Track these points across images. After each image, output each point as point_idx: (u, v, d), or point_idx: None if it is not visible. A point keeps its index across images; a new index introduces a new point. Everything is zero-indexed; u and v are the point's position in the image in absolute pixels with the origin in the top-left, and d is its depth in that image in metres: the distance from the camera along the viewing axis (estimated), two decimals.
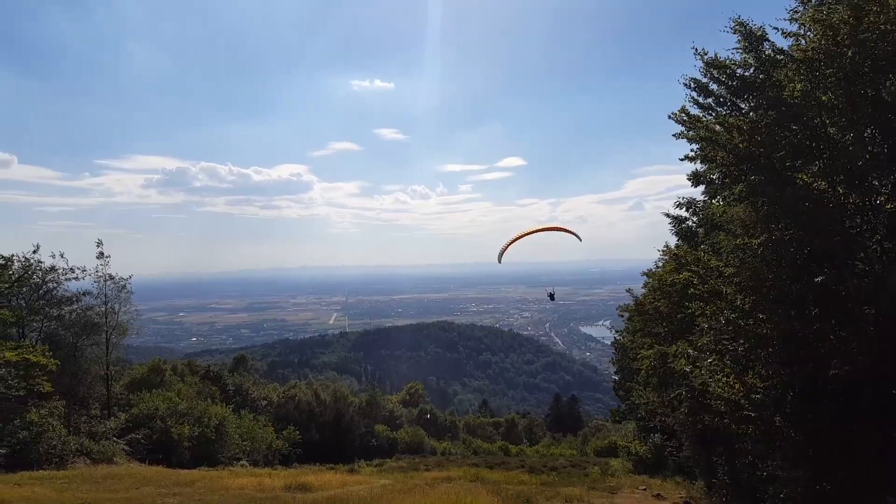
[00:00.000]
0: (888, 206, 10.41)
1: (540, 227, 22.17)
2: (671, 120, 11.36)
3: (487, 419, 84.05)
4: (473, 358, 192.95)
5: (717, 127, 10.70)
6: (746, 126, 10.00)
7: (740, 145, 10.02)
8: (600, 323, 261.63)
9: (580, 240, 22.34)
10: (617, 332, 33.12)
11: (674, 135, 11.62)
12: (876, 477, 9.53)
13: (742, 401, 10.72)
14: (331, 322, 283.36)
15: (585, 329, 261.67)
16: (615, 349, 36.30)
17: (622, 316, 31.23)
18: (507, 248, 21.69)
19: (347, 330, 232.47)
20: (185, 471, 20.55)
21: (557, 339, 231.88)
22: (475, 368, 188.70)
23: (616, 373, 39.73)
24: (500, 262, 22.23)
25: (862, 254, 11.10)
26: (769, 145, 10.09)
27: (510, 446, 62.33)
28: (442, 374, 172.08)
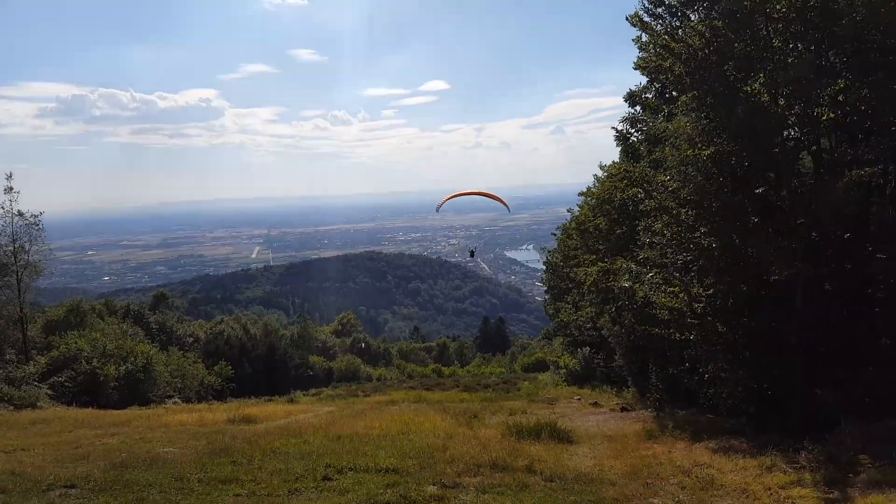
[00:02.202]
0: (826, 117, 10.73)
1: (477, 191, 24.89)
2: (628, 23, 11.12)
3: (419, 344, 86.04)
4: (402, 286, 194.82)
5: (668, 38, 10.54)
6: (707, 32, 9.88)
7: (698, 52, 9.93)
8: (524, 247, 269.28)
9: (508, 210, 24.52)
10: (549, 251, 33.94)
11: (633, 39, 11.40)
12: (807, 373, 10.27)
13: (685, 309, 11.19)
14: (253, 256, 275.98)
15: (510, 253, 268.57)
16: (546, 268, 37.37)
17: (555, 235, 31.96)
18: (444, 202, 23.26)
19: (272, 263, 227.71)
20: (118, 411, 19.69)
21: (484, 265, 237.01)
22: (405, 296, 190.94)
23: (546, 292, 41.16)
24: (437, 211, 24.37)
25: (799, 166, 11.55)
26: (723, 53, 10.06)
27: (443, 368, 64.31)
28: (372, 304, 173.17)
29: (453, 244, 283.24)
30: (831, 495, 6.80)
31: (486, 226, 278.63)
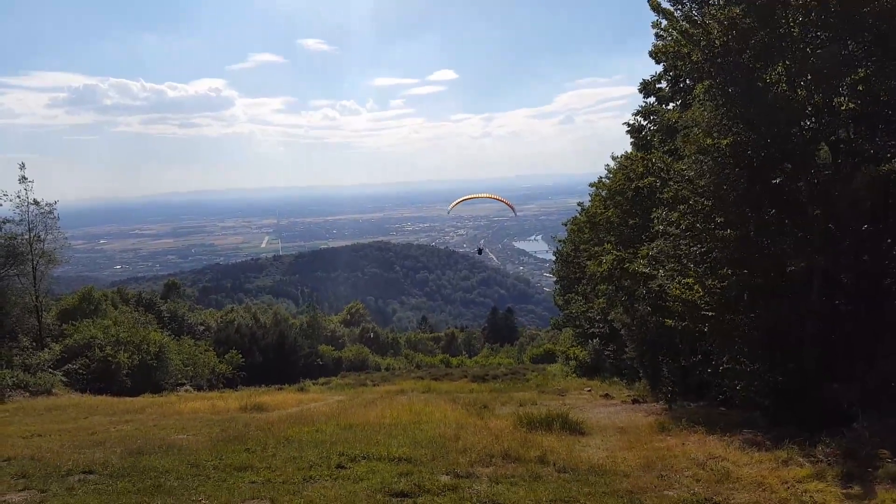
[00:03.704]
0: (845, 107, 10.57)
1: (486, 195, 25.93)
2: (649, 6, 10.95)
3: (427, 334, 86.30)
4: (411, 276, 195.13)
5: (688, 25, 10.40)
6: (726, 20, 9.73)
7: (717, 40, 9.79)
8: (532, 237, 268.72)
9: (515, 213, 25.41)
10: (560, 240, 33.79)
11: (652, 23, 11.26)
12: (823, 366, 10.18)
13: (699, 302, 11.10)
14: (263, 245, 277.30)
15: (519, 244, 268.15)
16: (556, 259, 37.21)
17: (565, 225, 31.81)
18: (455, 205, 23.90)
19: (281, 253, 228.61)
20: (132, 398, 19.89)
21: (492, 255, 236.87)
22: (413, 286, 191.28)
23: (556, 282, 41.03)
24: (448, 213, 25.45)
25: (817, 157, 11.39)
26: (742, 42, 9.91)
27: (451, 359, 64.51)
28: (380, 294, 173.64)
29: (462, 235, 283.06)
30: (851, 490, 6.72)
31: (495, 216, 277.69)
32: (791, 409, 10.05)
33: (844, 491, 6.74)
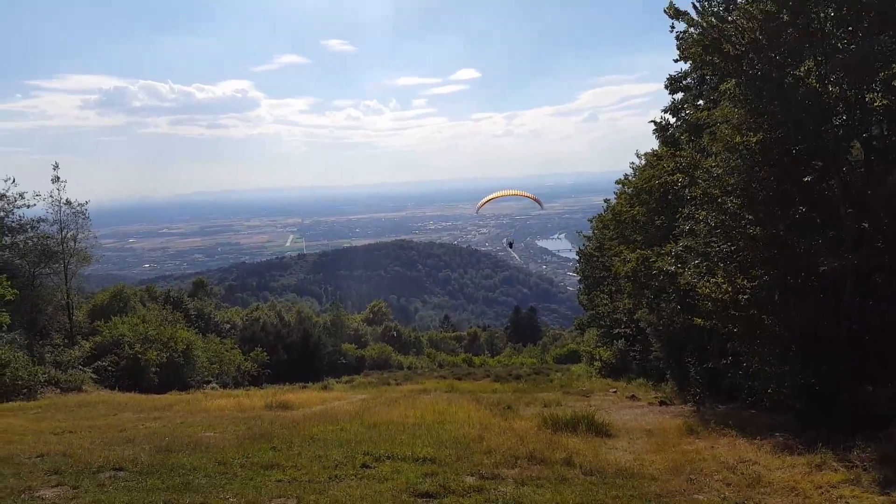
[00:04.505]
0: (878, 103, 10.27)
1: (512, 192, 26.19)
2: (665, 14, 10.77)
3: (450, 333, 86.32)
4: (433, 275, 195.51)
5: (714, 20, 10.19)
6: (760, 14, 9.52)
7: (747, 35, 9.58)
8: (555, 236, 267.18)
9: (542, 207, 25.65)
10: (586, 237, 33.48)
11: (671, 27, 11.07)
12: (857, 368, 9.92)
13: (728, 300, 10.89)
14: (287, 244, 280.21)
15: (541, 243, 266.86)
16: (579, 258, 36.90)
17: (590, 222, 31.53)
18: (483, 204, 24.06)
19: (305, 252, 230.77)
20: (159, 395, 20.23)
21: (514, 254, 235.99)
22: (435, 285, 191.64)
23: (580, 281, 40.69)
24: (477, 212, 25.90)
25: (849, 154, 11.10)
26: (773, 37, 9.69)
27: (473, 358, 64.41)
28: (402, 292, 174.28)
29: (484, 233, 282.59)
30: (890, 496, 6.52)
31: (518, 214, 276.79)
32: (824, 412, 9.80)
33: (882, 497, 6.54)
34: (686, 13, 11.41)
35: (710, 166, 11.34)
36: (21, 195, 23.36)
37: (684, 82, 18.05)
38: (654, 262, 14.20)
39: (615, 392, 21.04)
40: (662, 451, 9.42)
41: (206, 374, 30.17)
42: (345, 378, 37.20)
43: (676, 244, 12.98)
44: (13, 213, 23.47)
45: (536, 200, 24.35)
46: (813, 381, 10.01)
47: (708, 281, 11.13)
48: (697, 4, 11.03)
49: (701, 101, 15.18)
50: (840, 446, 8.38)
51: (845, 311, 10.38)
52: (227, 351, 36.26)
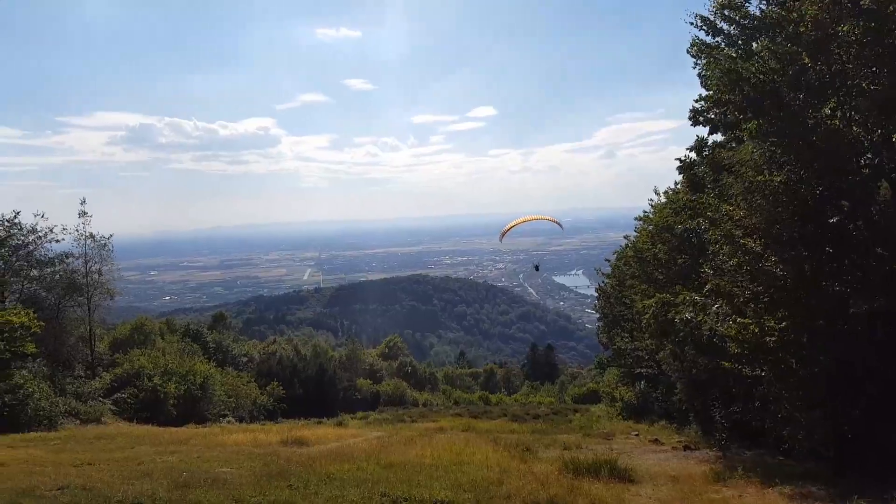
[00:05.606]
0: None
1: (534, 217, 26.47)
2: (688, 55, 10.89)
3: (466, 370, 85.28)
4: (448, 310, 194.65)
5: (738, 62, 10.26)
6: (781, 55, 9.58)
7: (763, 76, 9.62)
8: (573, 272, 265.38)
9: (562, 228, 26.08)
10: (605, 275, 33.17)
11: (694, 66, 11.16)
12: (890, 413, 9.60)
13: (756, 342, 10.66)
14: (305, 278, 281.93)
15: (559, 279, 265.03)
16: (598, 295, 36.50)
17: (608, 261, 31.31)
18: (507, 230, 24.37)
19: (322, 286, 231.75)
20: (177, 429, 20.18)
21: (531, 290, 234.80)
22: (450, 320, 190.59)
23: (599, 319, 40.17)
24: (500, 240, 26.34)
25: (877, 194, 10.97)
26: (793, 79, 9.72)
27: (490, 396, 63.37)
28: (418, 327, 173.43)
29: (500, 269, 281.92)
30: None
31: (534, 250, 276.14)
32: (856, 460, 9.46)
33: None
34: (709, 47, 11.47)
35: (729, 209, 11.25)
36: (51, 229, 24.02)
37: (708, 115, 17.94)
38: (674, 311, 13.98)
39: (637, 435, 20.56)
40: (688, 499, 9.15)
41: (222, 407, 30.07)
42: (360, 414, 36.86)
43: (701, 290, 12.79)
44: (42, 247, 24.07)
45: (557, 223, 24.56)
46: (845, 428, 9.69)
47: (734, 321, 10.94)
48: (721, 41, 11.10)
49: (719, 135, 15.07)
50: (876, 496, 8.06)
51: (876, 355, 10.12)
52: (243, 384, 36.17)
